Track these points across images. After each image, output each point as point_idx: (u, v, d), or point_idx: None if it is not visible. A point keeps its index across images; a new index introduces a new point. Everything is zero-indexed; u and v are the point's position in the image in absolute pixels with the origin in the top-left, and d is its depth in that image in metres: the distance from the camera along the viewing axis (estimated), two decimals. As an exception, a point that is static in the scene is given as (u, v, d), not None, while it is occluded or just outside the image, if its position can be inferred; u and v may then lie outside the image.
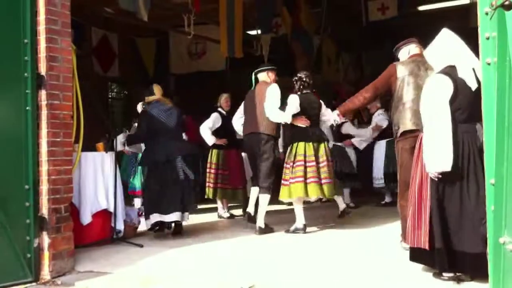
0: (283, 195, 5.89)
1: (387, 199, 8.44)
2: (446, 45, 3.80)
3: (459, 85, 3.61)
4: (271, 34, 10.76)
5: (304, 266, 4.33)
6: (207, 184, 7.65)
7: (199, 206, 7.95)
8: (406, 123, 4.55)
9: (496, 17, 2.38)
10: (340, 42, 12.98)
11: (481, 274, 3.23)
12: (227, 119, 7.50)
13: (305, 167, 5.79)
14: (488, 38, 2.51)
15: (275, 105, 5.97)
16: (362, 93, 4.91)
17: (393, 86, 4.70)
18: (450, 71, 3.67)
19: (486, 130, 2.61)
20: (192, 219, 7.57)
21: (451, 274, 3.59)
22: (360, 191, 8.63)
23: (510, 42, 2.27)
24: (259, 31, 10.65)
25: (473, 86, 3.58)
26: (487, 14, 2.50)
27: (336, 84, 12.38)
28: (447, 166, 3.52)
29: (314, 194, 5.78)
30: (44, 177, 4.27)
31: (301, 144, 5.87)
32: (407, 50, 4.86)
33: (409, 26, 10.41)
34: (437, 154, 3.54)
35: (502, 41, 2.34)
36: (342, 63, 13.43)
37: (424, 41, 3.99)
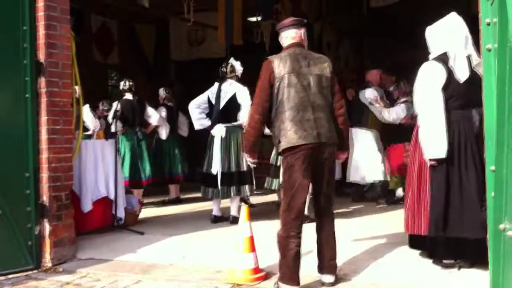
0: None
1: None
2: (448, 29, 3.74)
3: (452, 73, 3.60)
4: (272, 21, 10.68)
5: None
6: None
7: (196, 195, 7.95)
8: (290, 137, 3.39)
9: (497, 3, 2.36)
10: (341, 29, 12.89)
11: (482, 260, 3.24)
12: None
13: None
14: (489, 24, 2.49)
15: None
16: (254, 117, 3.58)
17: (272, 88, 3.49)
18: (444, 58, 3.65)
19: (487, 117, 2.60)
20: (194, 207, 7.60)
21: (451, 261, 3.60)
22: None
23: (511, 28, 2.25)
24: (259, 18, 10.58)
25: (465, 75, 3.57)
26: (488, -1, 2.48)
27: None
28: (442, 153, 3.52)
29: None
30: (44, 165, 4.27)
31: None
32: (287, 36, 3.63)
33: (410, 12, 10.37)
34: (432, 142, 3.55)
35: (502, 27, 2.32)
36: (343, 51, 13.35)
37: (426, 28, 3.90)
